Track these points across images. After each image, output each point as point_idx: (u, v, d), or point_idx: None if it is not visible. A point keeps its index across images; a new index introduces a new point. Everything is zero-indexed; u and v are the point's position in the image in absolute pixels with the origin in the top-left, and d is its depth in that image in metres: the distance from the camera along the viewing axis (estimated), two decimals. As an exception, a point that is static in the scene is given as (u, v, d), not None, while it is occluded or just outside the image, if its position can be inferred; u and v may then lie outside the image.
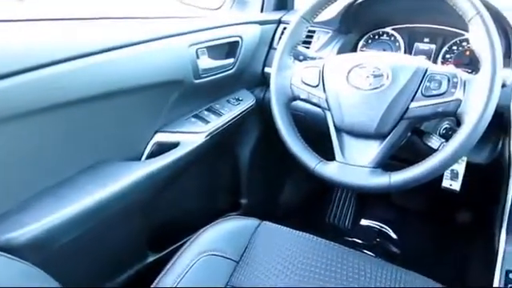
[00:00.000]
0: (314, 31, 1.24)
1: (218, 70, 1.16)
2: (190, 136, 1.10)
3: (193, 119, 1.15)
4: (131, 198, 0.95)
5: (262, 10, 1.38)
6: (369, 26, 1.21)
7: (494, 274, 0.90)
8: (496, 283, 0.87)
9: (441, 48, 1.13)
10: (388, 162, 0.84)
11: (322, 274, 0.84)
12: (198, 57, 1.08)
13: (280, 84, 0.93)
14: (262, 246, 0.92)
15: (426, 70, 0.79)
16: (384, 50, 1.20)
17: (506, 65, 0.97)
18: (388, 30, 1.20)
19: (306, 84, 0.90)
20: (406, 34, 1.18)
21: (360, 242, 1.65)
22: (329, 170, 0.85)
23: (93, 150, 0.94)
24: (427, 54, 1.15)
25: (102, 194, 0.88)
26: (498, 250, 0.95)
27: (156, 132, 1.08)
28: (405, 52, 1.17)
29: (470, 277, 1.08)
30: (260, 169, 1.45)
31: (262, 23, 1.28)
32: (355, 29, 1.22)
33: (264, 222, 0.98)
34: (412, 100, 0.78)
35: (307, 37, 1.23)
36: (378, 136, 0.81)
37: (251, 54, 1.26)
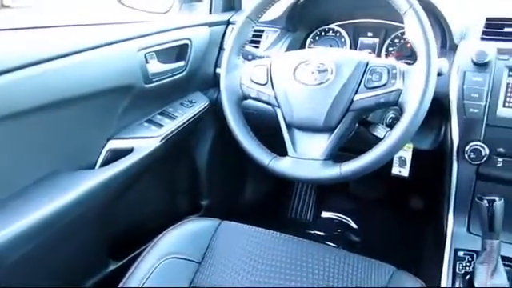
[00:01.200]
0: (262, 30, 1.26)
1: (169, 73, 1.16)
2: (144, 141, 1.09)
3: (146, 124, 1.14)
4: (86, 208, 0.94)
5: (210, 12, 1.39)
6: (315, 23, 1.25)
7: (444, 253, 0.95)
8: (446, 261, 0.92)
9: (384, 41, 1.18)
10: (339, 154, 0.87)
11: (283, 267, 0.86)
12: (147, 61, 1.08)
13: (230, 84, 0.94)
14: (224, 246, 0.93)
15: (368, 64, 0.82)
16: (331, 46, 1.23)
17: (442, 54, 1.03)
18: (333, 26, 1.24)
19: (255, 83, 0.91)
20: (350, 29, 1.23)
21: (322, 234, 1.69)
22: (282, 165, 0.87)
23: (45, 161, 0.92)
24: (371, 48, 1.19)
25: (56, 206, 0.87)
26: (446, 231, 1.01)
27: (109, 139, 1.06)
28: (350, 47, 1.21)
29: (424, 257, 1.13)
30: (219, 169, 1.46)
31: (210, 25, 1.29)
32: (302, 26, 1.25)
33: (224, 221, 0.99)
34: (356, 93, 0.81)
35: (256, 36, 1.25)
36: (327, 129, 0.84)
37: (201, 55, 1.26)
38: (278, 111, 0.89)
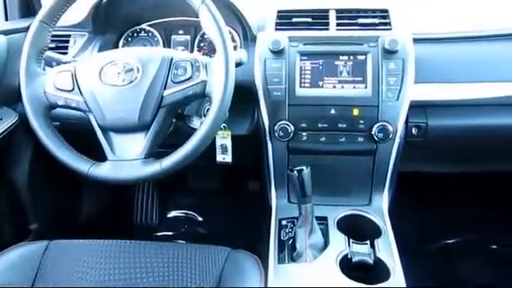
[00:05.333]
0: (69, 35, 1.20)
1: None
2: None
3: None
4: None
5: (6, 19, 1.26)
6: (124, 24, 1.23)
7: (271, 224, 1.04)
8: (272, 231, 1.02)
9: (194, 38, 1.23)
10: (163, 151, 0.88)
11: (118, 273, 0.85)
12: None
13: (33, 94, 0.88)
14: (55, 265, 0.88)
15: (172, 59, 0.85)
16: (144, 46, 1.23)
17: (245, 45, 1.12)
18: (144, 26, 1.24)
19: (60, 90, 0.87)
20: (162, 28, 1.24)
21: (171, 233, 1.70)
22: (102, 170, 0.85)
23: None
24: (184, 45, 1.23)
25: None
26: (271, 205, 1.11)
27: None
28: (164, 46, 1.23)
29: (258, 233, 1.22)
30: (44, 188, 1.34)
31: (7, 33, 1.17)
32: (111, 28, 1.22)
33: (54, 241, 0.93)
34: (165, 88, 0.84)
35: (63, 42, 1.18)
36: (142, 127, 0.84)
37: (2, 67, 1.14)
38: (91, 116, 0.87)
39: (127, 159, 0.85)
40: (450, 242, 1.61)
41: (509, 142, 1.17)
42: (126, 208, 1.74)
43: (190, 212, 1.74)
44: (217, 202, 1.72)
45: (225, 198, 1.72)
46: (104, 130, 0.86)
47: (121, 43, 1.24)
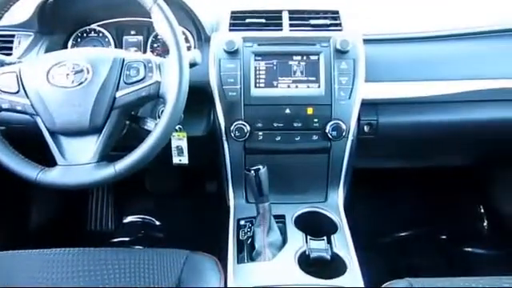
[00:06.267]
0: (13, 35, 1.14)
1: None
2: None
3: None
4: None
5: None
6: (73, 24, 1.19)
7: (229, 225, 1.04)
8: (231, 232, 1.02)
9: (147, 39, 1.20)
10: (117, 154, 0.85)
11: (71, 282, 0.83)
12: None
13: None
14: (3, 278, 0.84)
15: (124, 60, 0.83)
16: (95, 47, 1.20)
17: (199, 46, 1.12)
18: (94, 26, 1.21)
19: (4, 92, 0.83)
20: (113, 29, 1.21)
21: (127, 239, 1.66)
22: (52, 176, 0.82)
23: None
24: (137, 46, 1.20)
25: None
26: (229, 205, 1.11)
27: None
28: (115, 47, 1.20)
29: (217, 234, 1.21)
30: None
31: None
32: (59, 29, 1.17)
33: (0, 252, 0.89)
34: (117, 90, 0.82)
35: (6, 42, 1.13)
36: (94, 130, 0.82)
37: None
38: (38, 119, 0.83)
39: (78, 163, 0.82)
40: (403, 235, 1.68)
41: (454, 137, 1.23)
42: (79, 215, 1.68)
43: (147, 216, 1.71)
44: (174, 205, 1.70)
45: (182, 200, 1.70)
46: (53, 133, 0.83)
47: (70, 44, 1.20)
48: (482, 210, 1.71)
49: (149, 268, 0.85)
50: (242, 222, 1.04)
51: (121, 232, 1.68)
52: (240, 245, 0.99)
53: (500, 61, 1.14)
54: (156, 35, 1.20)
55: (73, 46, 1.20)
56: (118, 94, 0.82)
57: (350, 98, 1.03)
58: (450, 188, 1.75)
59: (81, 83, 0.81)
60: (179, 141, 1.06)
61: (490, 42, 1.17)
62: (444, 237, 1.68)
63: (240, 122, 1.03)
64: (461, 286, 0.84)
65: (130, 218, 1.72)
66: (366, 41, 1.08)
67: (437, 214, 1.71)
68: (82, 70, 0.82)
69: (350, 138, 1.08)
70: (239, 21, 1.11)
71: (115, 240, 1.65)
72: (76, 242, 0.95)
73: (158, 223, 1.70)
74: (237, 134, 1.03)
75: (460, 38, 1.17)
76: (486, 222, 1.70)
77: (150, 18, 0.85)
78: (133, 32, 1.21)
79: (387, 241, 1.66)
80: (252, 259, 0.95)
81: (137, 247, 1.60)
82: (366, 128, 1.13)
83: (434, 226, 1.69)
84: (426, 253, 1.60)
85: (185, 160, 1.09)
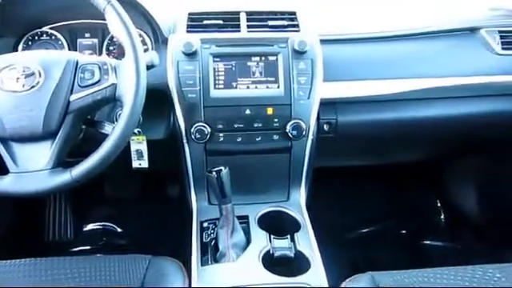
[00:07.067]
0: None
1: None
2: None
3: None
4: None
5: None
6: (23, 27, 1.14)
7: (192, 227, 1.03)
8: (194, 234, 1.01)
9: (103, 41, 1.17)
10: (74, 160, 0.83)
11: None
12: None
13: None
14: None
15: (77, 62, 0.81)
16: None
17: (157, 48, 1.10)
18: (46, 29, 1.16)
19: None
20: (66, 31, 1.17)
21: (88, 248, 1.61)
22: (4, 184, 0.78)
23: None
24: (92, 49, 1.17)
25: None
26: (192, 208, 1.10)
27: None
28: (69, 50, 1.16)
29: (181, 237, 1.20)
30: None
31: None
32: (9, 31, 1.12)
33: None
34: (71, 93, 0.80)
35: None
36: (48, 136, 0.79)
37: None
38: None
39: (32, 170, 0.79)
40: (365, 231, 1.72)
41: (408, 134, 1.27)
42: (36, 224, 1.61)
43: (107, 223, 1.66)
44: (136, 211, 1.66)
45: (144, 205, 1.67)
46: (3, 140, 0.80)
47: (20, 47, 1.15)
48: (439, 204, 1.78)
49: (110, 275, 0.83)
50: (205, 224, 1.04)
51: (81, 241, 1.63)
52: (204, 247, 0.98)
53: (449, 59, 1.20)
54: (111, 37, 1.17)
55: (24, 49, 1.16)
56: (72, 98, 0.79)
57: (309, 97, 1.04)
58: (409, 184, 1.81)
59: (32, 87, 0.78)
60: (138, 144, 1.04)
61: (440, 41, 1.22)
62: (404, 231, 1.73)
63: (200, 123, 1.02)
64: (419, 277, 0.87)
65: (90, 226, 1.67)
66: (323, 41, 1.10)
67: (396, 210, 1.77)
68: (33, 74, 0.79)
69: (310, 137, 1.09)
70: (197, 22, 1.10)
71: (75, 249, 1.60)
72: (33, 253, 0.92)
73: (119, 230, 1.66)
74: (197, 135, 1.02)
75: (413, 38, 1.22)
76: (442, 215, 1.77)
77: (105, 19, 0.83)
78: (87, 35, 1.18)
79: (349, 237, 1.69)
80: (216, 261, 0.94)
81: (98, 255, 1.55)
82: (325, 127, 1.15)
83: (394, 221, 1.74)
84: (387, 247, 1.65)
85: (145, 164, 1.07)
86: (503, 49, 1.21)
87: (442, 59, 1.20)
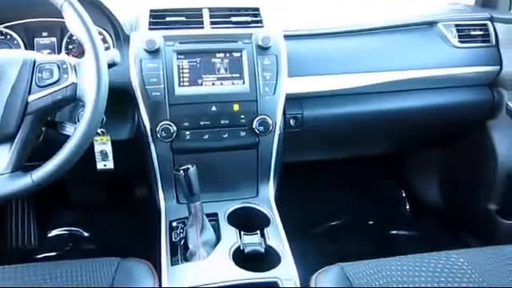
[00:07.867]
0: None
1: None
2: None
3: None
4: None
5: None
6: (-25, 26, 1.10)
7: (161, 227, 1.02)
8: (163, 234, 1.00)
9: (61, 40, 1.14)
10: (36, 164, 0.80)
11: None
12: None
13: None
14: None
15: (35, 61, 0.78)
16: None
17: (118, 45, 1.08)
18: (1, 28, 1.12)
19: None
20: (22, 30, 1.13)
21: (53, 254, 1.56)
22: None
23: None
24: (50, 48, 1.13)
25: None
26: (160, 207, 1.09)
27: None
28: (26, 49, 1.12)
29: (150, 238, 1.18)
30: None
31: None
32: (-40, 31, 1.08)
33: None
34: (29, 93, 0.77)
35: None
36: (5, 139, 0.76)
37: None
38: None
39: None
40: (334, 223, 1.75)
41: (373, 127, 1.30)
42: None
43: (73, 228, 1.62)
44: (103, 213, 1.63)
45: (112, 207, 1.63)
46: (-43, 144, 0.76)
47: (-28, 48, 1.11)
48: (404, 195, 1.83)
49: (77, 280, 0.81)
50: (175, 224, 1.03)
51: (46, 247, 1.58)
52: (173, 247, 0.97)
53: (409, 53, 1.23)
54: (71, 36, 1.14)
55: (-24, 49, 1.11)
56: (30, 99, 0.76)
57: (274, 93, 1.05)
58: (375, 176, 1.85)
59: None
60: (103, 145, 1.02)
61: (400, 34, 1.26)
62: (371, 222, 1.77)
63: (166, 122, 1.01)
64: (387, 265, 0.89)
65: (55, 232, 1.62)
66: (287, 36, 1.11)
67: (363, 202, 1.81)
68: None
69: (277, 132, 1.10)
70: (159, 19, 1.09)
71: (40, 256, 1.55)
72: None
73: (86, 234, 1.62)
74: (163, 134, 1.00)
75: (375, 32, 1.25)
76: (407, 206, 1.82)
77: (63, 17, 0.80)
78: (45, 33, 1.14)
79: (318, 230, 1.72)
80: (186, 260, 0.93)
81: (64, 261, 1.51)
82: (291, 122, 1.16)
83: (362, 212, 1.78)
84: (356, 238, 1.68)
85: (110, 165, 1.05)
86: (460, 42, 1.26)
87: (402, 53, 1.24)
